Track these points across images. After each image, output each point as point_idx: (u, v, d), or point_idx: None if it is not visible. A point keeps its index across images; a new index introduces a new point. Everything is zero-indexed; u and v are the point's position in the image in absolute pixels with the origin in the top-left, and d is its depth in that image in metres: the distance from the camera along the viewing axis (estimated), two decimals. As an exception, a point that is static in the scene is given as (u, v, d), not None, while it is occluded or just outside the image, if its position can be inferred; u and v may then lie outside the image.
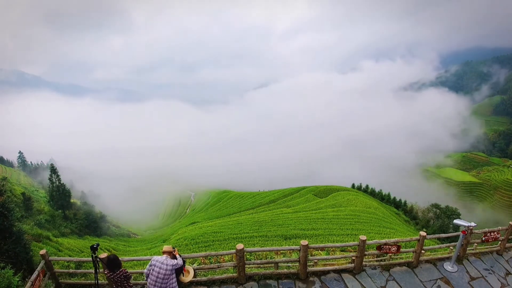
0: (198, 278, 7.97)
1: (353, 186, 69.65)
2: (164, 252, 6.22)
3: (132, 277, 6.62)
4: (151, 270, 5.97)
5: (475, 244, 9.97)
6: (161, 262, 5.98)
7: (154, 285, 5.87)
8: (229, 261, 11.52)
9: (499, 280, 8.71)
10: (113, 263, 6.04)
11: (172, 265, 6.00)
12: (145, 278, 6.17)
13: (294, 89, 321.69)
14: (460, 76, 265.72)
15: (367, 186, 68.50)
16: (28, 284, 6.52)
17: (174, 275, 6.06)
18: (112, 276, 6.05)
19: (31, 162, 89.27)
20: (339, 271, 8.60)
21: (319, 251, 14.64)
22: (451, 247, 10.15)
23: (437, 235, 10.75)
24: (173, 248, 6.37)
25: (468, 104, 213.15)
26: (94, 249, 6.27)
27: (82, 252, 30.22)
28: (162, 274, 5.89)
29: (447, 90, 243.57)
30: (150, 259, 6.22)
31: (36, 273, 6.88)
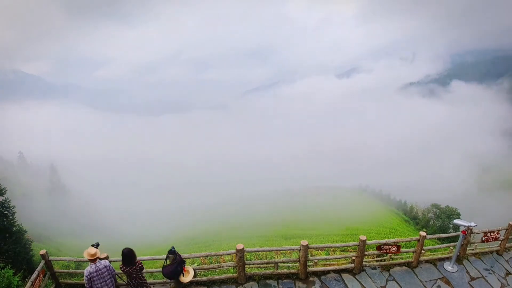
0: (198, 278, 7.97)
1: (353, 186, 69.74)
2: (90, 259, 5.82)
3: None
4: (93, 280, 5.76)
5: (475, 244, 9.96)
6: (97, 269, 5.81)
7: None
8: (229, 261, 11.51)
9: (499, 280, 8.71)
10: (128, 256, 6.08)
11: (105, 266, 5.91)
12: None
13: (314, 89, 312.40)
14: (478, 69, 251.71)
15: (367, 186, 68.57)
16: (28, 284, 6.52)
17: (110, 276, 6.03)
18: (127, 269, 6.12)
19: (31, 162, 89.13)
20: (339, 271, 8.59)
21: (319, 251, 14.65)
22: (451, 247, 10.15)
23: (437, 235, 10.76)
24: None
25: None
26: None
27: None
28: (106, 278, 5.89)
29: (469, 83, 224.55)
30: (150, 259, 6.17)
31: (36, 273, 6.88)
